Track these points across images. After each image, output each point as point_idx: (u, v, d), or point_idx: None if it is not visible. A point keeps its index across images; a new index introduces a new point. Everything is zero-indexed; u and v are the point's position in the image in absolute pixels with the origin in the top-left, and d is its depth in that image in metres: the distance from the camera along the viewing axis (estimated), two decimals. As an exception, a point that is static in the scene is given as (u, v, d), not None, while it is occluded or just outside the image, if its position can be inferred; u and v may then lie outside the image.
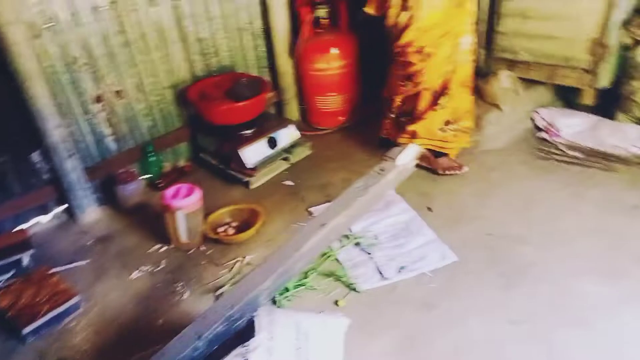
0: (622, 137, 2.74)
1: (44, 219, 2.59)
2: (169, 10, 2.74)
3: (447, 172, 2.65)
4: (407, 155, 1.73)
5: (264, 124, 2.85)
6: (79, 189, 2.55)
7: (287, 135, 2.86)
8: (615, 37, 2.68)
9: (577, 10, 2.70)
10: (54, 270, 2.15)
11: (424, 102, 2.58)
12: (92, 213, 2.64)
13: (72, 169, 2.50)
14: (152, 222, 2.53)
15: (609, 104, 2.92)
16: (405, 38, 2.41)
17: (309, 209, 2.53)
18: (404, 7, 2.36)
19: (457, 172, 2.66)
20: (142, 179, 2.79)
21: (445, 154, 2.69)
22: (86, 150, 2.64)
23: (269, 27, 3.09)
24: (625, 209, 2.31)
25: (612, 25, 2.63)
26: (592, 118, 2.93)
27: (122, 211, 2.69)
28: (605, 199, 2.38)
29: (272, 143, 2.78)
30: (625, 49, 2.75)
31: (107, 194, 2.73)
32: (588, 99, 2.91)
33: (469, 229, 2.30)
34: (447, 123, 2.60)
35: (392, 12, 2.41)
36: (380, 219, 2.41)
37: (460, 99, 2.59)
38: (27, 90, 2.27)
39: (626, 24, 2.68)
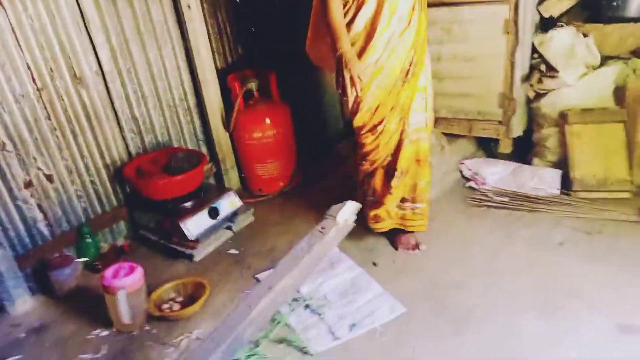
0: (540, 180, 2.98)
1: (-30, 315, 2.41)
2: (100, 93, 2.77)
3: (402, 249, 2.59)
4: (347, 212, 1.80)
5: (204, 195, 2.86)
6: (9, 280, 2.40)
7: (228, 204, 2.88)
8: (520, 92, 2.98)
9: (484, 70, 2.99)
10: (-18, 370, 1.98)
11: (378, 180, 2.50)
12: (24, 303, 2.47)
13: (2, 259, 2.36)
14: (91, 306, 2.40)
15: (525, 150, 3.19)
16: (357, 122, 2.37)
17: (256, 276, 2.52)
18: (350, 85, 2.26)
19: (411, 251, 2.57)
20: (79, 262, 2.67)
21: (408, 232, 2.58)
22: (16, 238, 2.52)
23: (202, 102, 3.18)
24: (552, 246, 2.48)
25: (516, 81, 2.93)
26: (512, 164, 3.18)
27: (57, 298, 2.54)
28: (534, 238, 2.55)
29: (214, 213, 2.78)
30: (530, 101, 3.06)
31: (40, 281, 2.59)
32: (505, 147, 3.16)
33: (414, 279, 2.37)
34: (404, 200, 2.52)
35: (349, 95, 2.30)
36: (328, 279, 2.44)
37: (417, 176, 2.48)
38: (-49, 180, 2.18)
39: (527, 79, 3.00)
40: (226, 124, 3.21)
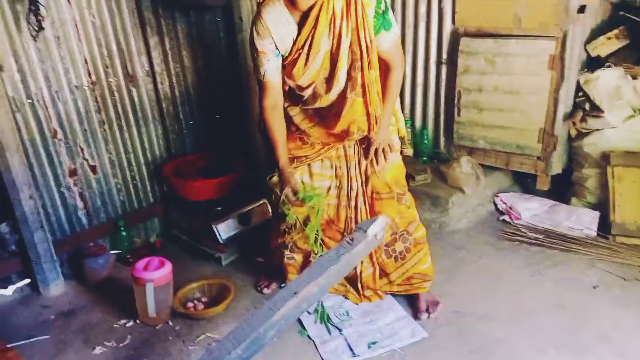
0: (576, 221, 2.92)
1: (6, 292, 2.50)
2: (149, 92, 2.88)
3: (423, 317, 2.28)
4: (377, 227, 1.80)
5: (238, 201, 2.91)
6: (45, 262, 2.49)
7: (261, 212, 2.91)
8: (562, 129, 2.95)
9: (525, 104, 2.97)
10: (11, 345, 2.04)
11: None
12: (56, 287, 2.56)
13: (41, 242, 2.46)
14: (119, 297, 2.46)
15: (563, 189, 3.13)
16: None
17: (282, 285, 2.53)
18: None
19: (432, 314, 2.29)
20: (112, 253, 2.75)
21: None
22: (56, 223, 2.63)
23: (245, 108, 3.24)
24: (584, 288, 2.42)
25: (558, 118, 2.90)
26: (549, 202, 3.13)
27: (88, 286, 2.61)
28: (566, 278, 2.49)
29: (245, 219, 2.82)
30: (572, 139, 3.02)
31: (74, 267, 2.68)
32: (543, 184, 3.12)
33: (437, 305, 2.34)
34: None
35: None
36: (352, 297, 2.44)
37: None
38: (3, 160, 2.29)
39: (569, 116, 2.96)
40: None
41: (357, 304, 2.38)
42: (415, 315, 2.28)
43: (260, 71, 2.01)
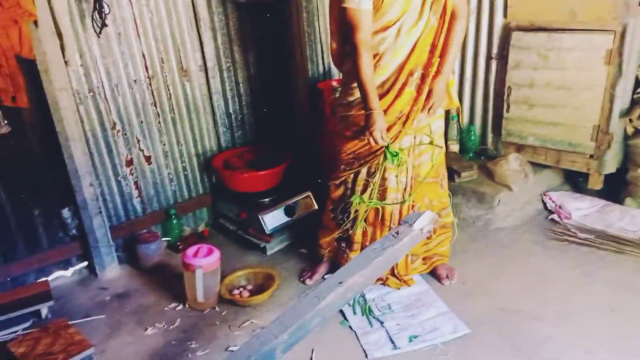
0: (630, 222, 2.81)
1: (66, 273, 2.67)
2: (201, 86, 2.98)
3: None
4: (424, 221, 1.81)
5: (283, 193, 2.97)
6: (103, 246, 2.65)
7: (306, 204, 2.96)
8: (617, 126, 2.84)
9: (579, 100, 2.88)
10: (71, 322, 2.18)
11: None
12: (112, 270, 2.72)
13: (99, 227, 2.62)
14: (169, 282, 2.59)
15: (617, 188, 3.02)
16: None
17: (325, 276, 2.57)
18: None
19: (446, 282, 2.49)
20: (163, 240, 2.88)
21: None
22: (113, 210, 2.78)
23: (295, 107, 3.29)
24: (637, 291, 2.33)
25: (614, 115, 2.80)
26: (601, 202, 3.02)
27: (141, 270, 2.75)
28: (617, 280, 2.40)
29: (290, 211, 2.88)
30: (628, 137, 2.91)
31: (128, 253, 2.82)
32: (595, 184, 3.01)
33: (481, 302, 2.32)
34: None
35: None
36: (394, 290, 2.45)
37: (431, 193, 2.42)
38: (67, 149, 2.45)
39: (626, 114, 2.85)
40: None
41: (398, 289, 2.44)
42: (439, 283, 2.49)
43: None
